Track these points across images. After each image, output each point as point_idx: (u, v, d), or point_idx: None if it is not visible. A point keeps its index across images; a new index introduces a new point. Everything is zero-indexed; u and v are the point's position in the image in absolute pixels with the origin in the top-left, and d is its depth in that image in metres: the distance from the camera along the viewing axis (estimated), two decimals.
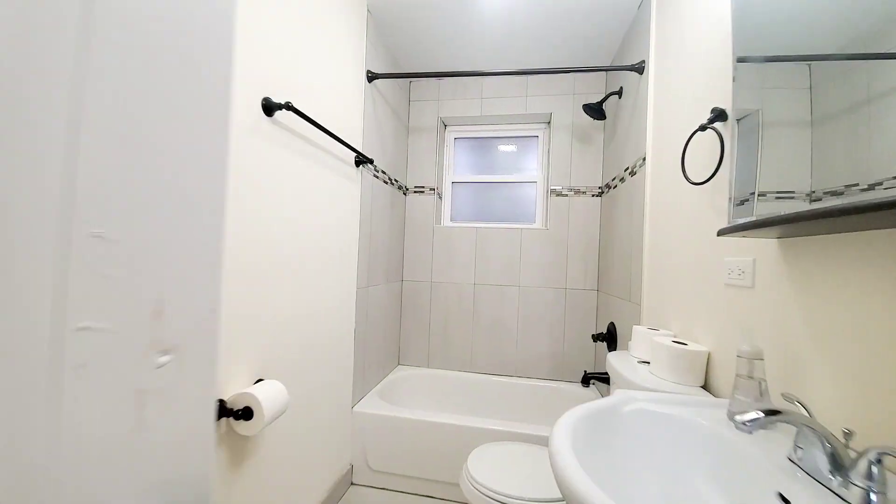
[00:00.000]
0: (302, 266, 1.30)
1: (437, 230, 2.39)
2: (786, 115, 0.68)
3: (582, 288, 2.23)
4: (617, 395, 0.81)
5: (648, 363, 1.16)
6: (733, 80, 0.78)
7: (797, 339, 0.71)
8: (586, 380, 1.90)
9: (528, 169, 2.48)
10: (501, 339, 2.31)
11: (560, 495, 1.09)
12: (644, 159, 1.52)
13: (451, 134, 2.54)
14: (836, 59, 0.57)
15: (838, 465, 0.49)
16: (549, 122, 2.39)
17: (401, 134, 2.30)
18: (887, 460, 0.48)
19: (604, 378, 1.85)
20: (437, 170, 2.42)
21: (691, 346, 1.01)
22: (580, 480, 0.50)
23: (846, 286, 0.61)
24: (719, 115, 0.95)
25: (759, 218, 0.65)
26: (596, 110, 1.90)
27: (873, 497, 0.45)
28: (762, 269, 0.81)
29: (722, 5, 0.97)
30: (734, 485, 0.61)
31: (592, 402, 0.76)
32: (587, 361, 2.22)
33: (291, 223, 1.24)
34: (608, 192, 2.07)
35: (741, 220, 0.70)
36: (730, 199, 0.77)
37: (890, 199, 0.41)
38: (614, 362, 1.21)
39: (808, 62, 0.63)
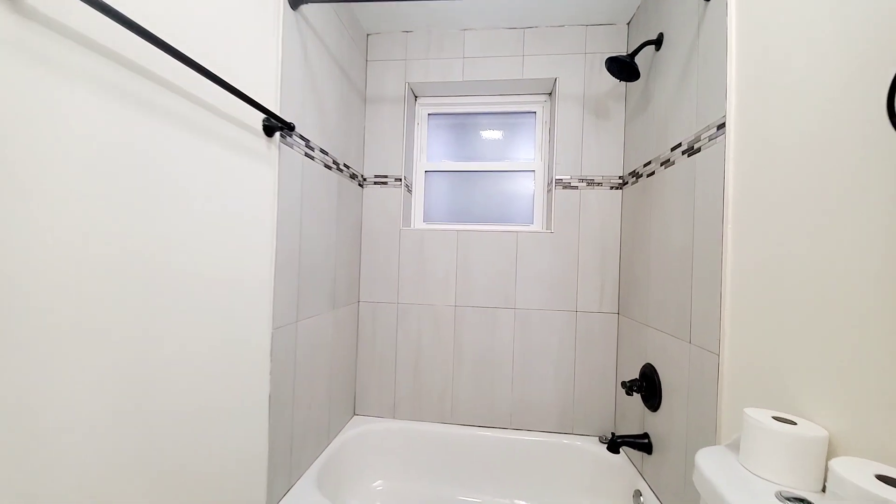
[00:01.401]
0: (135, 309, 0.67)
1: (406, 234, 1.79)
2: None
3: (597, 311, 1.69)
4: None
5: (807, 503, 0.59)
6: None
7: None
8: (615, 445, 1.35)
9: (524, 155, 1.92)
10: (492, 379, 1.74)
11: None
12: (719, 127, 0.98)
13: (423, 108, 1.94)
14: None
15: None
16: (550, 94, 1.83)
17: (354, 104, 1.68)
18: None
19: (641, 444, 1.31)
20: (405, 155, 1.82)
21: None
22: None
23: None
24: None
25: None
26: (626, 65, 1.35)
27: None
28: None
29: None
30: None
31: None
32: (606, 410, 1.67)
33: (110, 229, 0.61)
34: (635, 182, 1.53)
35: None
36: None
37: None
38: (723, 488, 0.64)
39: None
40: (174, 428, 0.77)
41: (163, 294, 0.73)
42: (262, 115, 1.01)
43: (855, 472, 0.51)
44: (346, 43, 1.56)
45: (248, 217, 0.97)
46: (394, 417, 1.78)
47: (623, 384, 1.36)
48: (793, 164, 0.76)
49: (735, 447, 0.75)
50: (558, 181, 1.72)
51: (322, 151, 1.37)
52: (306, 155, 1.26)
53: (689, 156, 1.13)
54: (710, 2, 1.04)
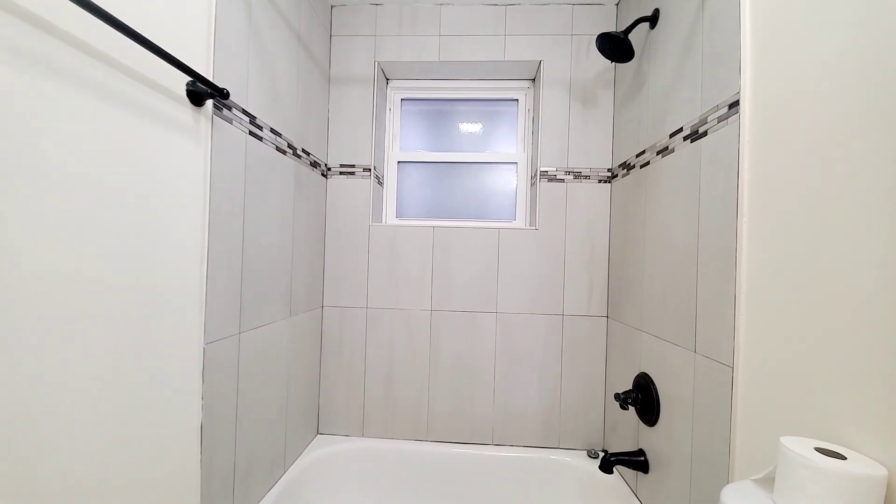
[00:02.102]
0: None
1: (377, 231, 1.61)
2: None
3: (585, 314, 1.56)
4: None
5: None
6: None
7: None
8: (608, 464, 1.22)
9: (505, 146, 1.77)
10: (472, 390, 1.58)
11: None
12: (731, 106, 0.85)
13: (395, 92, 1.76)
14: None
15: None
16: (534, 79, 1.69)
17: (315, 82, 1.48)
18: None
19: (637, 462, 1.18)
20: (375, 143, 1.63)
21: None
22: None
23: None
24: None
25: None
26: (619, 43, 1.22)
27: None
28: None
29: None
30: None
31: None
32: (595, 422, 1.54)
33: None
34: (626, 174, 1.41)
35: None
36: None
37: None
38: None
39: None
40: (73, 468, 0.57)
41: (19, 301, 0.53)
42: (187, 78, 0.81)
43: None
44: (304, 11, 1.36)
45: (166, 204, 0.77)
46: (363, 436, 1.60)
47: (616, 396, 1.22)
48: (823, 147, 0.63)
49: (768, 483, 0.62)
50: (543, 174, 1.58)
51: (274, 132, 1.17)
52: (251, 134, 1.05)
53: (692, 141, 1.01)
54: None
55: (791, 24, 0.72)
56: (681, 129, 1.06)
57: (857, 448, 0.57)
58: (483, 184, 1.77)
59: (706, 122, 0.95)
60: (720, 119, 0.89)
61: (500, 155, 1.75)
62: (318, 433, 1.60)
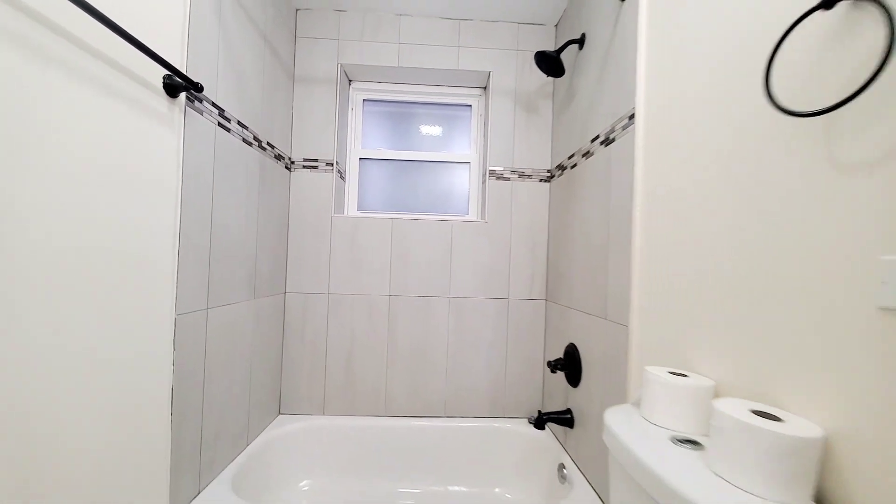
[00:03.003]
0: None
1: (339, 222, 1.71)
2: None
3: (528, 297, 1.76)
4: None
5: (696, 444, 0.66)
6: None
7: None
8: (541, 422, 1.41)
9: (459, 147, 1.94)
10: (427, 368, 1.72)
11: None
12: (631, 117, 1.07)
13: (357, 93, 1.88)
14: None
15: None
16: (485, 88, 1.88)
17: (281, 81, 1.57)
18: None
19: (564, 419, 1.38)
20: (338, 139, 1.74)
21: (795, 427, 0.53)
22: None
23: None
24: None
25: None
26: (553, 61, 1.42)
27: None
28: None
29: None
30: None
31: None
32: (535, 390, 1.74)
33: None
34: (561, 174, 1.63)
35: None
36: None
37: None
38: (624, 436, 0.69)
39: None
40: (49, 427, 0.64)
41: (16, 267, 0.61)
42: (164, 72, 0.89)
43: (733, 408, 0.57)
44: (270, 12, 1.45)
45: (141, 184, 0.85)
46: (323, 414, 1.69)
47: (548, 363, 1.42)
48: (690, 152, 0.85)
49: (638, 403, 0.81)
50: (492, 173, 1.77)
51: (241, 125, 1.26)
52: (220, 125, 1.14)
53: (605, 146, 1.22)
54: (625, 3, 1.14)
55: (671, 55, 0.94)
56: (598, 136, 1.27)
57: (699, 371, 0.78)
58: (439, 181, 1.92)
59: (614, 131, 1.16)
60: (623, 128, 1.11)
61: (454, 155, 1.92)
62: (279, 413, 1.68)
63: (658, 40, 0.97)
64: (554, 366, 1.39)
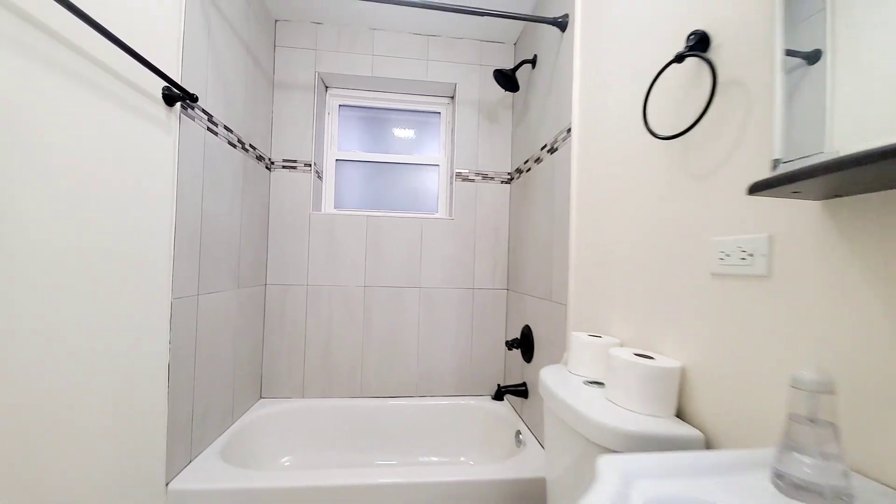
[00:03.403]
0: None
1: (316, 218, 1.85)
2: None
3: (491, 287, 1.95)
4: (605, 475, 0.46)
5: (601, 384, 0.86)
6: None
7: (879, 351, 0.45)
8: (500, 394, 1.61)
9: (430, 151, 2.11)
10: (399, 353, 1.89)
11: None
12: (569, 131, 1.27)
13: (334, 99, 2.02)
14: None
15: None
16: (452, 97, 2.06)
17: (261, 87, 1.69)
18: None
19: (520, 391, 1.58)
20: (316, 142, 1.88)
21: (661, 361, 0.74)
22: None
23: None
24: (701, 39, 0.69)
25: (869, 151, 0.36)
26: (508, 78, 1.62)
27: None
28: (788, 249, 0.55)
29: None
30: None
31: None
32: (497, 370, 1.94)
33: None
34: (519, 177, 1.83)
35: (809, 163, 0.41)
36: (779, 134, 0.48)
37: None
38: (551, 383, 0.89)
39: None
40: (61, 398, 0.76)
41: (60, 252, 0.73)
42: (163, 84, 1.02)
43: (622, 353, 0.78)
44: (252, 25, 1.57)
45: (145, 182, 0.97)
46: (303, 397, 1.82)
47: (506, 343, 1.62)
48: (608, 162, 1.06)
49: (566, 362, 1.01)
50: (458, 174, 1.95)
51: (227, 129, 1.38)
52: (209, 129, 1.26)
53: (551, 154, 1.43)
54: (565, 32, 1.35)
55: (597, 81, 1.15)
56: (546, 145, 1.48)
57: (609, 333, 0.99)
58: (410, 181, 2.09)
59: (557, 141, 1.37)
60: (563, 139, 1.32)
61: (425, 157, 2.09)
62: (259, 398, 1.79)
63: (588, 68, 1.18)
64: (510, 344, 1.59)
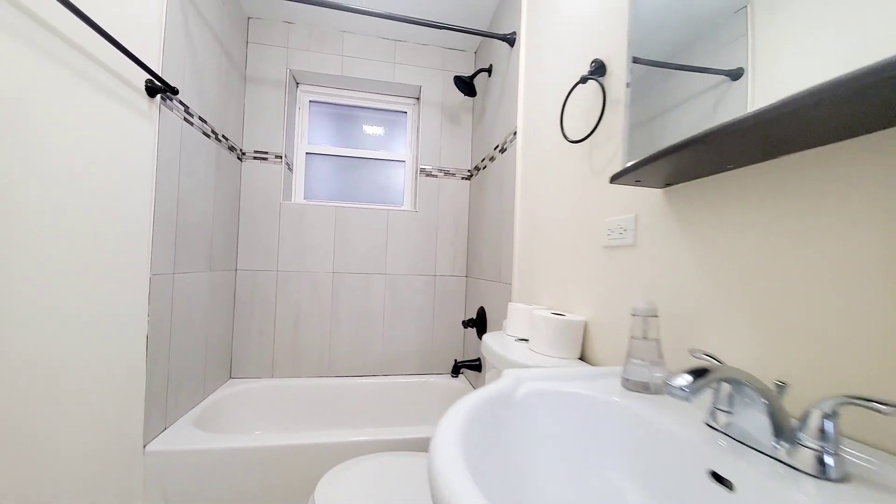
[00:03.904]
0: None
1: (286, 208, 1.95)
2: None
3: (451, 274, 2.13)
4: (505, 377, 0.64)
5: (527, 340, 1.06)
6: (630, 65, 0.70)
7: (690, 293, 0.65)
8: (456, 369, 1.79)
9: (398, 147, 2.26)
10: (366, 334, 2.03)
11: None
12: (515, 134, 1.47)
13: (305, 95, 2.13)
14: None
15: (780, 426, 0.40)
16: (418, 98, 2.22)
17: (234, 81, 1.78)
18: (844, 412, 0.41)
19: (474, 365, 1.76)
20: (286, 135, 1.98)
21: (569, 317, 0.94)
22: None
23: (735, 227, 0.56)
24: (599, 67, 0.89)
25: (658, 151, 0.55)
26: (467, 84, 1.81)
27: (828, 460, 0.36)
28: (646, 225, 0.76)
29: None
30: (654, 468, 0.49)
31: (481, 391, 0.56)
32: (457, 350, 2.12)
33: None
34: (477, 174, 2.02)
35: (638, 159, 0.61)
36: (624, 146, 0.68)
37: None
38: (491, 343, 1.07)
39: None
40: (51, 362, 0.86)
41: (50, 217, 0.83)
42: (146, 77, 1.11)
43: (542, 312, 0.97)
44: (227, 22, 1.66)
45: (128, 167, 1.07)
46: (272, 377, 1.92)
47: (463, 322, 1.80)
48: (542, 160, 1.26)
49: (505, 328, 1.20)
50: (423, 170, 2.11)
51: (201, 119, 1.47)
52: (185, 120, 1.35)
53: (502, 153, 1.62)
54: (513, 47, 1.54)
55: (536, 91, 1.34)
56: (498, 145, 1.67)
57: (541, 303, 1.19)
58: (378, 175, 2.23)
59: (506, 142, 1.56)
60: (510, 141, 1.51)
61: (391, 153, 2.24)
62: (229, 378, 1.88)
63: (530, 79, 1.38)
64: (466, 323, 1.78)
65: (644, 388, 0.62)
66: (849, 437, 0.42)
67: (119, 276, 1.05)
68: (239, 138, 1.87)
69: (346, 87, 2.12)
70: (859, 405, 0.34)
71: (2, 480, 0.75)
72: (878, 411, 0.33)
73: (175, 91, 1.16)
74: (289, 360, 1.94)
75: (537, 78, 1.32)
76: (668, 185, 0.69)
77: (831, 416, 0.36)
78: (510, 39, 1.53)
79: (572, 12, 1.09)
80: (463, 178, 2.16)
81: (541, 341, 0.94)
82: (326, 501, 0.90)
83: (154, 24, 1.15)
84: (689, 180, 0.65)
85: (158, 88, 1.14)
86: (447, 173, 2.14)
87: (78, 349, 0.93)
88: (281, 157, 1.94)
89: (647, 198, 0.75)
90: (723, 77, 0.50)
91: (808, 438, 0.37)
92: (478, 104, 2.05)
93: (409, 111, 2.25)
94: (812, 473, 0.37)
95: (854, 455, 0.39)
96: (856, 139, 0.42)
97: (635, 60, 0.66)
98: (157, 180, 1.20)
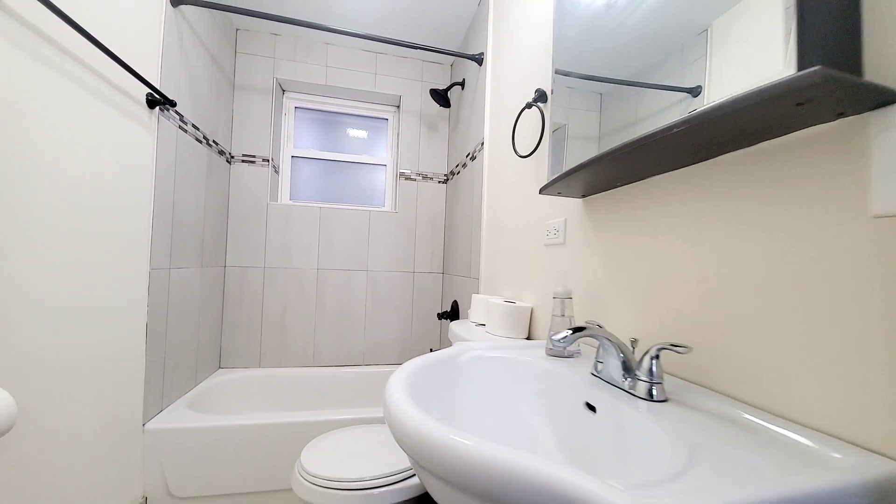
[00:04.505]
0: (41, 227, 0.89)
1: (273, 208, 2.08)
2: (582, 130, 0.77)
3: (429, 271, 2.29)
4: (455, 346, 0.80)
5: (485, 325, 1.23)
6: (551, 92, 0.87)
7: (597, 281, 0.83)
8: None
9: (380, 151, 2.41)
10: (348, 327, 2.17)
11: (403, 467, 1.05)
12: (482, 144, 1.64)
13: (291, 101, 2.26)
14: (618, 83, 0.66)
15: (628, 367, 0.57)
16: (398, 107, 2.37)
17: (223, 89, 1.90)
18: (663, 355, 0.58)
19: None
20: (273, 139, 2.10)
21: (518, 304, 1.11)
22: (419, 420, 0.43)
23: (623, 231, 0.74)
24: (541, 95, 1.07)
25: (568, 168, 0.73)
26: (442, 96, 1.97)
27: (654, 390, 0.53)
28: (571, 227, 0.93)
29: (543, 14, 1.11)
30: (551, 404, 0.66)
31: (430, 354, 0.72)
32: (433, 340, 2.29)
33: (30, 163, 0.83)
34: (452, 178, 2.18)
35: (555, 175, 0.78)
36: (548, 163, 0.85)
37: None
38: (455, 328, 1.24)
39: (600, 92, 0.71)
40: (74, 334, 0.98)
41: (74, 220, 0.95)
42: (147, 91, 1.24)
43: (496, 300, 1.14)
44: (217, 34, 1.79)
45: (130, 173, 1.19)
46: (260, 367, 2.05)
47: (437, 314, 1.97)
48: (503, 168, 1.43)
49: (468, 316, 1.37)
50: (402, 174, 2.27)
51: (194, 126, 1.59)
52: (180, 128, 1.48)
53: (472, 160, 1.79)
54: (482, 66, 1.71)
55: (500, 106, 1.52)
56: (469, 153, 1.84)
57: (501, 294, 1.36)
58: (361, 178, 2.37)
59: (476, 150, 1.73)
60: (479, 150, 1.68)
61: (373, 158, 2.38)
62: (219, 367, 2.00)
63: (495, 96, 1.55)
64: (441, 315, 1.94)
65: (560, 353, 0.80)
66: (668, 373, 0.60)
67: (122, 269, 1.18)
68: (228, 143, 1.99)
69: (330, 94, 2.26)
70: (668, 349, 0.51)
71: (16, 453, 0.88)
72: (678, 352, 0.51)
73: (173, 103, 1.29)
74: (275, 351, 2.07)
75: (500, 96, 1.49)
76: (584, 195, 0.86)
77: (655, 358, 0.54)
78: (478, 59, 1.70)
79: (524, 44, 1.26)
80: (440, 182, 2.32)
81: (494, 325, 1.11)
82: (310, 459, 1.05)
83: (153, 42, 1.28)
84: (595, 193, 0.83)
85: (158, 101, 1.26)
86: (425, 177, 2.30)
87: (85, 336, 1.06)
88: (268, 161, 2.07)
89: (573, 206, 0.93)
90: (684, 94, 0.53)
91: (642, 375, 0.55)
92: (453, 114, 2.22)
93: (390, 118, 2.40)
94: (644, 397, 0.54)
95: (672, 384, 0.57)
96: (707, 161, 0.60)
97: (569, 87, 0.83)
98: (156, 185, 1.32)
